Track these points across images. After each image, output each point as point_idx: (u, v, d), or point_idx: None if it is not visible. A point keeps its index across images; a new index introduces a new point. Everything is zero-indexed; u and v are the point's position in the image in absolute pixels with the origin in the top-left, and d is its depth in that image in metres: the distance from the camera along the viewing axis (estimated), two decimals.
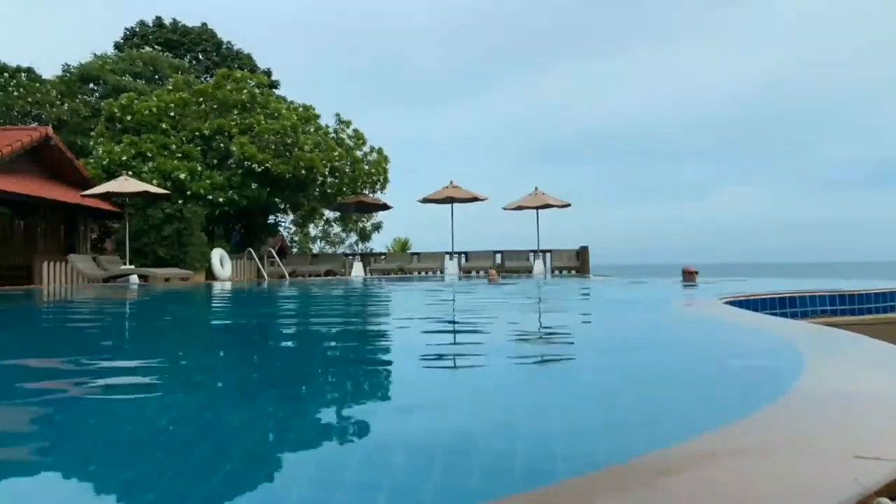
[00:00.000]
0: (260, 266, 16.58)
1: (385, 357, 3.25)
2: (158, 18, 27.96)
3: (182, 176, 15.54)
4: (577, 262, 16.82)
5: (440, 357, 3.01)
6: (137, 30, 27.75)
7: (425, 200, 17.72)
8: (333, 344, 3.82)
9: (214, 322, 5.69)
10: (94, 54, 23.82)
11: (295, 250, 26.32)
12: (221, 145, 16.42)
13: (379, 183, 19.53)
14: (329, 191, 18.01)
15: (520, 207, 17.15)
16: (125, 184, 13.27)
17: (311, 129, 17.66)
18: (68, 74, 21.55)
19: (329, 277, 16.62)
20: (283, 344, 3.98)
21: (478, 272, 16.98)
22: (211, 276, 15.42)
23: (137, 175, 15.14)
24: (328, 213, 22.44)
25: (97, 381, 2.47)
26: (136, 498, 1.24)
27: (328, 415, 1.96)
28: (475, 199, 17.55)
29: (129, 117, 16.49)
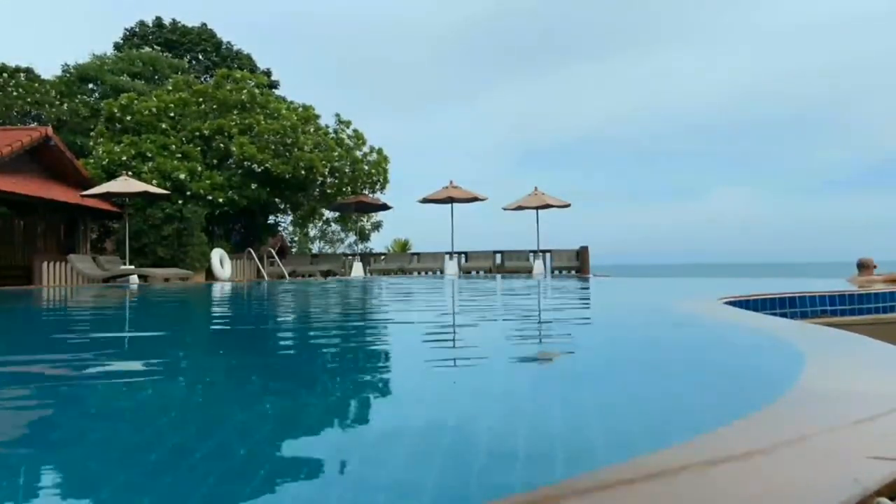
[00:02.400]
0: (260, 266, 16.59)
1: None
2: (158, 19, 27.95)
3: (182, 176, 15.54)
4: (577, 262, 16.82)
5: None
6: (137, 30, 27.74)
7: (425, 200, 17.72)
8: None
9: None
10: (93, 54, 23.84)
11: (294, 250, 26.33)
12: (221, 145, 16.42)
13: (379, 183, 19.55)
14: (329, 191, 18.01)
15: (520, 207, 17.15)
16: (125, 184, 13.27)
17: (311, 130, 17.66)
18: (67, 74, 21.55)
19: (329, 277, 16.61)
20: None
21: (477, 272, 17.00)
22: (211, 276, 15.42)
23: (137, 175, 15.14)
24: (327, 213, 22.46)
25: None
26: None
27: None
28: (475, 199, 17.55)
29: (128, 117, 16.49)
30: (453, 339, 3.77)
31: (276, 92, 23.15)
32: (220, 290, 10.54)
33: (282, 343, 4.09)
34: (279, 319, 5.70)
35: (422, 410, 1.95)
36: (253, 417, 1.88)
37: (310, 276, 16.79)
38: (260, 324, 5.24)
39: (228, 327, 5.07)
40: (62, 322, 5.73)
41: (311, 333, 4.48)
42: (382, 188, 19.79)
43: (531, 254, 17.14)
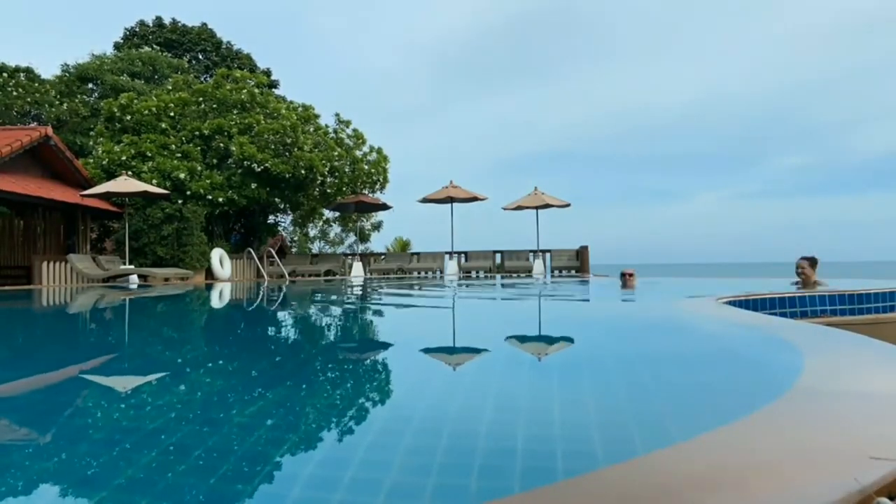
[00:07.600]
0: (260, 266, 16.59)
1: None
2: (158, 18, 27.94)
3: (182, 176, 15.54)
4: (577, 262, 16.82)
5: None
6: (137, 30, 27.73)
7: (425, 200, 17.73)
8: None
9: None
10: (93, 54, 23.82)
11: (294, 250, 26.32)
12: (221, 145, 16.42)
13: (378, 183, 19.55)
14: (329, 191, 18.01)
15: (519, 207, 17.16)
16: (125, 184, 13.27)
17: (311, 129, 17.65)
18: (67, 74, 21.53)
19: (329, 277, 16.62)
20: None
21: (477, 272, 16.99)
22: (211, 275, 15.42)
23: (137, 175, 15.13)
24: (327, 213, 22.45)
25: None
26: None
27: None
28: (475, 198, 17.56)
29: (128, 117, 16.49)
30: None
31: (276, 91, 23.13)
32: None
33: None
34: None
35: None
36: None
37: (310, 275, 16.79)
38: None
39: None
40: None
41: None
42: (382, 188, 19.81)
43: (531, 254, 17.14)
